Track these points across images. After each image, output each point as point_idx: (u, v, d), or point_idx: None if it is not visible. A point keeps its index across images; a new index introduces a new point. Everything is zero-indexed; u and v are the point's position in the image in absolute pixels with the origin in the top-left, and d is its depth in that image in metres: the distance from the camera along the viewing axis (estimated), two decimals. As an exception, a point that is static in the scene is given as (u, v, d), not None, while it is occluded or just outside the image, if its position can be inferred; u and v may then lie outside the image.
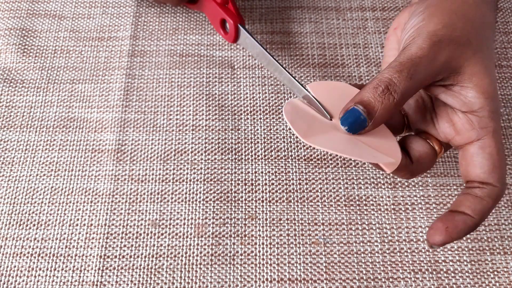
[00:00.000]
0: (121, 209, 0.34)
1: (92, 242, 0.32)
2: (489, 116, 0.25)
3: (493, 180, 0.25)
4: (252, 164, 0.35)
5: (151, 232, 0.33)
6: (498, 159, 0.25)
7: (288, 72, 0.30)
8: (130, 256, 0.32)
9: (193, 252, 0.32)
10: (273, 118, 0.37)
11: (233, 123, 0.37)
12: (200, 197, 0.34)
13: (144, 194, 0.34)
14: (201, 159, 0.35)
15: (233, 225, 0.33)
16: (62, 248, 0.32)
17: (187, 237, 0.33)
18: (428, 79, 0.25)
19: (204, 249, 0.32)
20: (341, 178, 0.35)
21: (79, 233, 0.33)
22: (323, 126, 0.26)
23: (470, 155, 0.25)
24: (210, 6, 0.36)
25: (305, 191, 0.34)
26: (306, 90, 0.27)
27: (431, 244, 0.25)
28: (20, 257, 0.32)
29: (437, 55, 0.24)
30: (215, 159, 0.35)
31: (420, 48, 0.24)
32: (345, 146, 0.25)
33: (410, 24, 0.27)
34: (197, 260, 0.32)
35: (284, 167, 0.35)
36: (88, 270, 0.31)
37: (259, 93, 0.38)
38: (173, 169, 0.35)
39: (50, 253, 0.32)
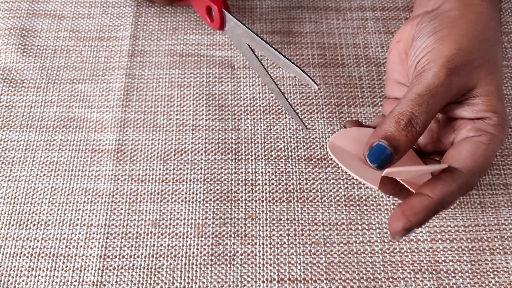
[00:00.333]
0: (121, 209, 0.34)
1: (92, 242, 0.32)
2: (494, 125, 0.25)
3: (466, 168, 0.24)
4: (252, 164, 0.35)
5: (151, 232, 0.33)
6: (483, 156, 0.25)
7: (280, 53, 0.30)
8: (130, 256, 0.32)
9: (193, 252, 0.32)
10: (273, 118, 0.37)
11: (233, 123, 0.37)
12: (200, 197, 0.34)
13: (144, 194, 0.34)
14: (201, 159, 0.35)
15: (233, 225, 0.33)
16: (62, 248, 0.32)
17: (187, 237, 0.33)
18: (442, 106, 0.25)
19: (204, 249, 0.32)
20: (341, 178, 0.35)
21: (79, 233, 0.33)
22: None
23: (459, 142, 0.26)
24: None
25: (305, 191, 0.34)
26: (295, 65, 0.29)
27: (392, 235, 0.24)
28: (20, 257, 0.32)
29: (452, 83, 0.25)
30: (215, 159, 0.35)
31: (437, 77, 0.25)
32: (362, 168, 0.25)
33: (420, 45, 0.27)
34: (197, 260, 0.32)
35: (284, 167, 0.35)
36: (88, 270, 0.31)
37: (259, 93, 0.38)
38: (173, 169, 0.35)
39: (50, 253, 0.32)
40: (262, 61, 0.34)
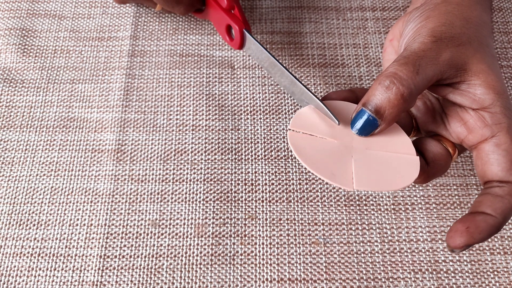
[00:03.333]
0: (121, 209, 0.34)
1: (92, 242, 0.32)
2: (502, 112, 0.24)
3: (508, 178, 0.24)
4: (252, 164, 0.35)
5: (151, 232, 0.33)
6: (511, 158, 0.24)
7: (297, 79, 0.29)
8: (130, 256, 0.32)
9: (193, 252, 0.32)
10: (273, 118, 0.37)
11: (233, 123, 0.37)
12: (200, 197, 0.34)
13: (144, 194, 0.34)
14: (201, 159, 0.35)
15: (233, 225, 0.33)
16: (62, 248, 0.32)
17: (187, 237, 0.33)
18: (435, 76, 0.24)
19: (204, 249, 0.32)
20: (341, 178, 0.35)
21: (79, 233, 0.33)
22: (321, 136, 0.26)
23: (486, 153, 0.25)
24: (216, 13, 0.36)
25: (305, 191, 0.34)
26: (316, 97, 0.27)
27: (452, 248, 0.23)
28: (20, 257, 0.32)
29: (440, 51, 0.24)
30: (215, 159, 0.35)
31: (422, 43, 0.24)
32: (324, 159, 0.24)
33: (408, 29, 0.27)
34: (197, 260, 0.32)
35: (284, 167, 0.35)
36: (88, 270, 0.31)
37: (259, 93, 0.38)
38: (173, 169, 0.35)
39: (50, 253, 0.32)
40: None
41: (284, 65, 0.31)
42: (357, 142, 0.25)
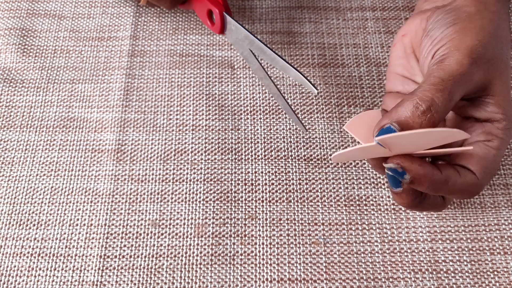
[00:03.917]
0: (121, 209, 0.34)
1: (92, 242, 0.32)
2: (503, 129, 0.25)
3: (477, 171, 0.25)
4: (252, 164, 0.35)
5: (151, 232, 0.33)
6: (492, 161, 0.25)
7: (280, 56, 0.30)
8: (130, 256, 0.32)
9: (193, 252, 0.32)
10: (273, 118, 0.37)
11: (233, 123, 0.37)
12: (200, 197, 0.34)
13: (144, 194, 0.34)
14: (201, 159, 0.35)
15: (233, 225, 0.33)
16: (62, 248, 0.32)
17: (187, 237, 0.33)
18: (462, 97, 0.24)
19: (204, 249, 0.32)
20: (341, 178, 0.35)
21: (79, 233, 0.33)
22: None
23: (473, 144, 0.25)
24: (198, 0, 0.36)
25: (305, 191, 0.34)
26: (299, 72, 0.28)
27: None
28: (20, 257, 0.32)
29: (474, 73, 0.24)
30: (215, 159, 0.35)
31: (461, 65, 0.24)
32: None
33: (438, 35, 0.26)
34: (197, 260, 0.32)
35: (284, 167, 0.35)
36: (88, 270, 0.31)
37: (259, 93, 0.38)
38: (173, 169, 0.35)
39: (50, 253, 0.32)
40: (262, 63, 0.33)
41: (266, 43, 0.31)
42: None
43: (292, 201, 0.34)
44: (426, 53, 0.27)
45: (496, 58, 0.25)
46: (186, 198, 0.34)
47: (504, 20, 0.27)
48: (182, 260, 0.32)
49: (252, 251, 0.32)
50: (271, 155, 0.36)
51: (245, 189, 0.34)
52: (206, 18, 0.36)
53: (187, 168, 0.35)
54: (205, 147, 0.36)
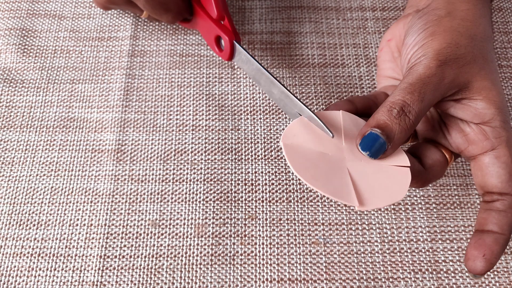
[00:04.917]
0: (121, 209, 0.34)
1: (92, 242, 0.32)
2: (502, 126, 0.25)
3: (508, 190, 0.25)
4: (252, 164, 0.35)
5: (151, 232, 0.33)
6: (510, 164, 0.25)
7: (289, 91, 0.28)
8: (130, 256, 0.32)
9: (193, 252, 0.32)
10: (273, 118, 0.37)
11: (233, 123, 0.37)
12: (200, 197, 0.34)
13: (144, 194, 0.34)
14: (201, 159, 0.35)
15: (233, 225, 0.33)
16: (62, 248, 0.32)
17: (187, 237, 0.33)
18: (437, 98, 0.25)
19: (204, 249, 0.32)
20: (341, 178, 0.35)
21: (79, 233, 0.33)
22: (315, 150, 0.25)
23: (486, 165, 0.26)
24: (205, 23, 0.35)
25: (305, 191, 0.34)
26: (308, 108, 0.27)
27: (475, 275, 0.25)
28: (20, 257, 0.32)
29: (444, 74, 0.24)
30: (215, 159, 0.35)
31: (428, 68, 0.24)
32: (325, 176, 0.24)
33: (411, 42, 0.27)
34: (197, 260, 0.32)
35: (284, 167, 0.35)
36: (88, 270, 0.31)
37: (259, 93, 0.38)
38: (173, 169, 0.35)
39: (50, 253, 0.32)
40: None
41: (275, 76, 0.30)
42: (348, 154, 0.25)
43: (292, 201, 0.34)
44: (403, 61, 0.28)
45: (475, 56, 0.25)
46: (186, 198, 0.34)
47: (481, 17, 0.27)
48: (182, 260, 0.32)
49: (252, 251, 0.32)
50: (271, 155, 0.36)
51: (245, 189, 0.34)
52: (214, 43, 0.35)
53: (187, 168, 0.35)
54: (205, 147, 0.36)
